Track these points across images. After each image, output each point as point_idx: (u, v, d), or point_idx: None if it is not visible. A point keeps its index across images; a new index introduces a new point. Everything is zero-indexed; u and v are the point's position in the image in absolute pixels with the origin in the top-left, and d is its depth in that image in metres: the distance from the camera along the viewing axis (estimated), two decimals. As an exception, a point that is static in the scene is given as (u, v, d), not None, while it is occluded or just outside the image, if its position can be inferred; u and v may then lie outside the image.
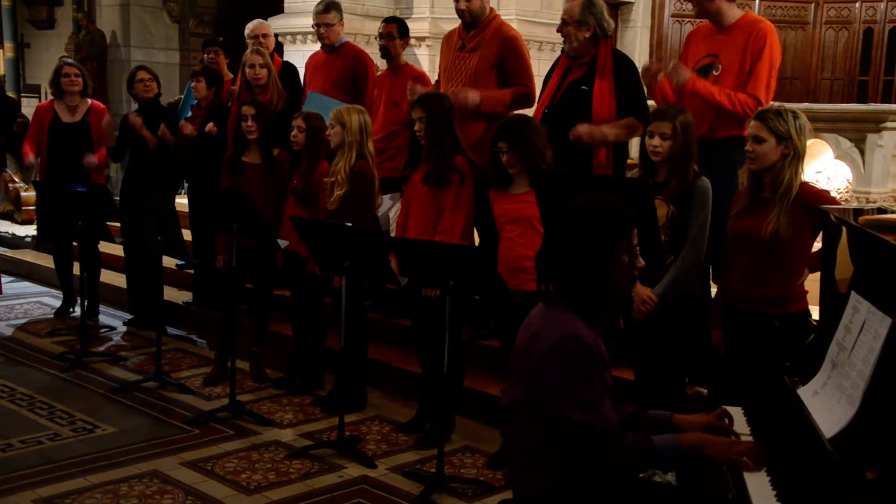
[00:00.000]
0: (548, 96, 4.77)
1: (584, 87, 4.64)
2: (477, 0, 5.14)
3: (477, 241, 5.01)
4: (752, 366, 3.40)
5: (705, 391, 4.16)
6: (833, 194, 6.81)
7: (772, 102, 4.38)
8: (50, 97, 6.78)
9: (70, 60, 6.91)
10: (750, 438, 2.58)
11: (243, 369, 5.50)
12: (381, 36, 5.81)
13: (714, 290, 4.44)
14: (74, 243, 6.11)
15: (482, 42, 5.14)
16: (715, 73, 4.47)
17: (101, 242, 6.59)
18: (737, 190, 3.94)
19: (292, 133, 5.09)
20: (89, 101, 6.69)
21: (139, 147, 6.42)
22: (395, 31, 5.74)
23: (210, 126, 6.05)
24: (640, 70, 4.63)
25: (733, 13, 4.51)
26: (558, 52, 4.98)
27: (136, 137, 6.41)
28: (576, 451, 2.38)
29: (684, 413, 2.70)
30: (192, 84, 6.33)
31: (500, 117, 5.15)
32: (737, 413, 2.74)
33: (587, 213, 2.43)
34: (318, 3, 6.20)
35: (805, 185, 3.51)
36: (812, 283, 3.47)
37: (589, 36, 4.60)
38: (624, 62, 4.70)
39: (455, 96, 4.85)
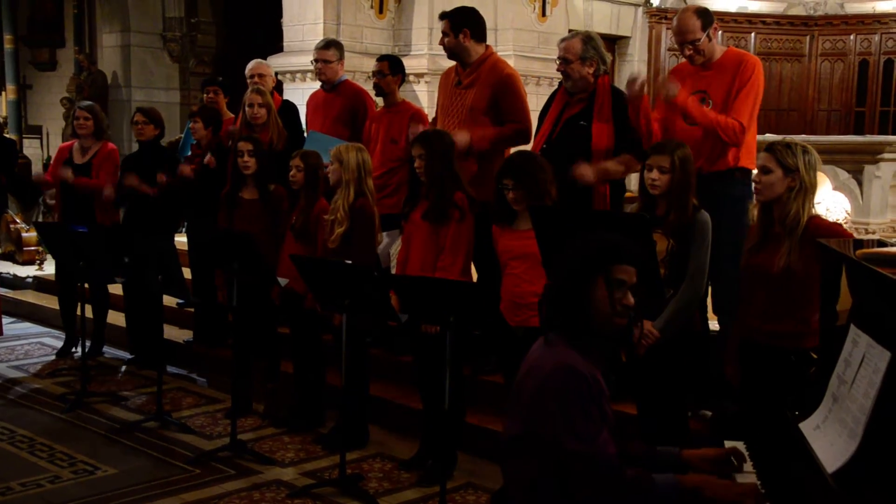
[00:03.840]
0: (546, 131, 4.80)
1: (582, 122, 4.67)
2: (450, 38, 5.19)
3: (475, 277, 5.01)
4: (766, 400, 3.37)
5: (709, 413, 4.16)
6: (834, 225, 6.84)
7: (771, 135, 4.43)
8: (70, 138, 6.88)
9: (84, 104, 6.95)
10: (753, 477, 2.56)
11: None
12: (373, 74, 5.87)
13: (712, 323, 4.44)
14: (87, 284, 6.12)
15: (478, 79, 5.18)
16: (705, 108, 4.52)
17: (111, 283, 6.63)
18: (739, 222, 3.95)
19: (291, 172, 5.12)
20: (104, 143, 6.72)
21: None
22: (387, 68, 5.78)
23: (208, 158, 6.05)
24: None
25: (718, 50, 4.63)
26: (555, 87, 5.02)
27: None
28: (573, 484, 2.35)
29: (689, 447, 2.68)
30: (191, 125, 6.37)
31: (493, 153, 5.18)
32: (739, 447, 2.73)
33: (571, 249, 2.47)
34: (320, 41, 6.30)
35: (815, 218, 3.49)
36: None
37: (592, 71, 4.64)
38: (622, 98, 4.73)
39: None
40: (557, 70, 4.77)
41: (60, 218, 6.69)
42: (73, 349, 6.93)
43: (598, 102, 4.65)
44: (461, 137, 4.96)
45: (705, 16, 4.57)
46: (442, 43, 5.26)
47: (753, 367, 3.60)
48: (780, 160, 3.44)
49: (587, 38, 4.69)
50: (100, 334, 6.88)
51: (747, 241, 3.65)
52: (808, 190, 3.45)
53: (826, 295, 3.11)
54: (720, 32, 4.71)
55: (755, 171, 3.61)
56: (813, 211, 3.50)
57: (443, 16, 5.26)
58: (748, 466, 2.63)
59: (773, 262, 3.45)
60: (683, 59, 4.75)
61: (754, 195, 3.60)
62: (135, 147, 7.22)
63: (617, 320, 2.45)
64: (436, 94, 5.86)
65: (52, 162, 6.98)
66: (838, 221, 7.00)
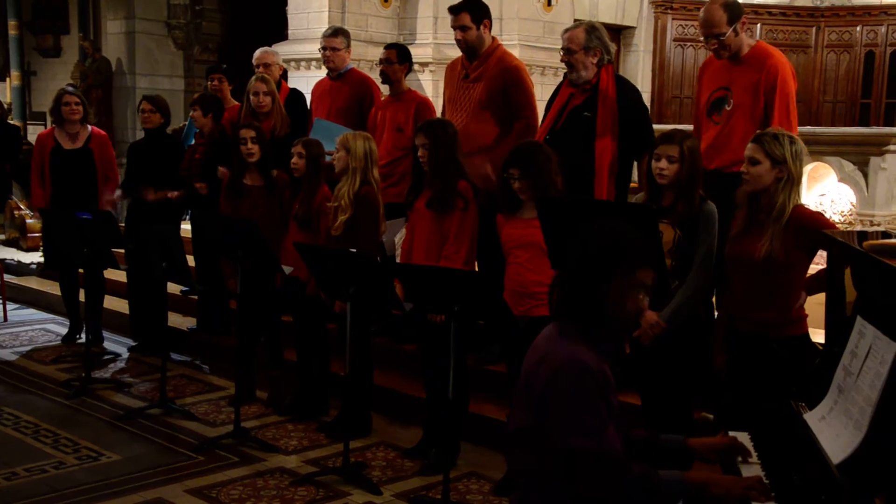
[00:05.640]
0: (550, 122, 4.79)
1: (586, 113, 4.65)
2: (473, 31, 5.16)
3: (476, 266, 5.00)
4: (754, 389, 3.39)
5: (711, 417, 4.17)
6: (837, 217, 6.85)
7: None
8: (52, 125, 6.83)
9: (70, 89, 6.93)
10: (758, 467, 2.56)
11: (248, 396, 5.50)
12: (380, 62, 5.85)
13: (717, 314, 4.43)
14: (80, 270, 6.12)
15: (485, 72, 5.17)
16: (727, 107, 4.48)
17: (106, 269, 6.60)
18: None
19: (293, 160, 5.12)
20: (90, 127, 6.72)
21: (144, 175, 6.45)
22: (395, 56, 5.76)
23: (222, 171, 6.03)
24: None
25: (747, 44, 4.54)
26: (560, 77, 5.01)
27: (138, 167, 6.45)
28: (579, 479, 2.35)
29: (693, 436, 2.69)
30: (191, 113, 6.37)
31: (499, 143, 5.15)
32: (744, 438, 2.74)
33: (594, 240, 2.44)
34: (327, 28, 6.28)
35: (799, 207, 3.51)
36: (814, 306, 3.47)
37: (596, 61, 4.62)
38: (627, 88, 4.72)
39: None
40: (561, 60, 4.75)
41: (48, 205, 6.57)
42: (78, 336, 6.93)
43: (602, 93, 4.63)
44: (487, 171, 4.89)
45: (733, 9, 4.44)
46: (461, 37, 5.18)
47: (738, 356, 3.61)
48: (768, 151, 3.45)
49: (591, 28, 4.66)
50: (97, 321, 6.81)
51: (731, 230, 3.66)
52: (795, 181, 3.47)
53: (832, 287, 3.11)
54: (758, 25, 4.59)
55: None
56: (798, 200, 3.51)
57: (459, 7, 5.18)
58: (752, 458, 2.64)
59: (754, 249, 3.47)
60: (694, 50, 4.68)
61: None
62: (139, 135, 7.22)
63: (630, 321, 2.46)
64: (440, 84, 5.83)
65: (33, 155, 6.84)
66: (842, 213, 6.99)
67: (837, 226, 5.37)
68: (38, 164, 6.68)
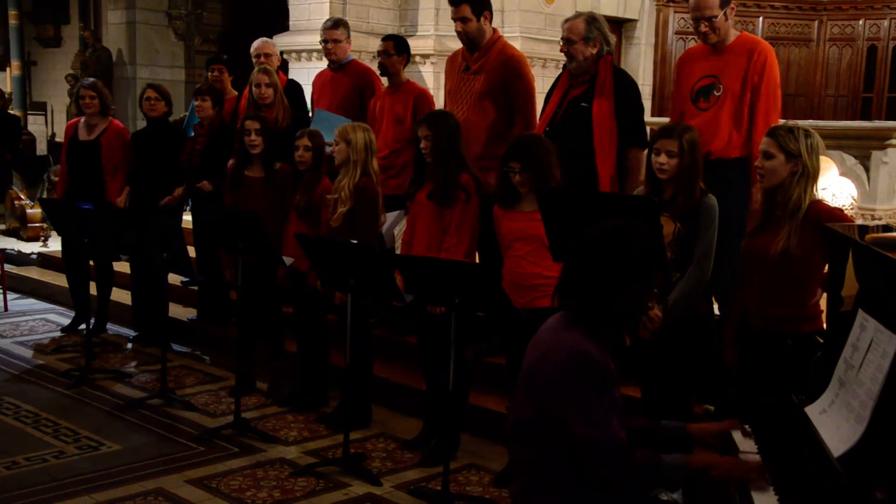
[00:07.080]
0: (549, 114, 4.79)
1: (583, 103, 4.65)
2: (473, 23, 5.15)
3: (477, 258, 5.00)
4: (766, 385, 3.37)
5: (712, 408, 4.17)
6: (839, 211, 6.84)
7: (781, 120, 4.40)
8: (73, 116, 6.86)
9: (86, 82, 6.94)
10: (757, 456, 2.58)
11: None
12: (378, 54, 5.84)
13: (716, 307, 4.44)
14: (91, 262, 6.13)
15: (486, 64, 5.15)
16: (716, 93, 4.50)
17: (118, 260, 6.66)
18: (745, 209, 3.93)
19: (298, 153, 5.10)
20: (111, 120, 6.72)
21: (145, 165, 6.44)
22: (392, 48, 5.76)
23: (205, 184, 6.06)
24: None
25: (732, 33, 4.58)
26: (561, 69, 5.00)
27: (141, 156, 6.45)
28: (584, 468, 2.37)
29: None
30: (196, 103, 6.34)
31: (502, 135, 5.14)
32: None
33: (627, 237, 2.42)
34: (327, 20, 6.27)
35: (817, 202, 3.46)
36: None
37: (596, 52, 4.62)
38: (624, 80, 4.71)
39: None
40: (561, 51, 4.74)
41: (63, 194, 6.67)
42: (81, 325, 6.92)
43: (600, 85, 4.63)
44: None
45: None
46: (461, 29, 5.16)
47: (751, 351, 3.60)
48: (783, 145, 3.41)
49: (591, 19, 4.66)
50: (103, 311, 6.88)
51: (748, 225, 3.64)
52: (811, 174, 3.42)
53: (833, 280, 3.10)
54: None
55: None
56: (815, 195, 3.48)
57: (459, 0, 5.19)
58: (751, 446, 2.65)
59: (771, 245, 3.43)
60: (695, 43, 4.68)
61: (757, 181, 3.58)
62: (140, 125, 7.21)
63: (640, 318, 2.50)
64: (442, 76, 5.82)
65: (63, 142, 6.93)
66: (843, 207, 6.99)
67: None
68: (62, 154, 6.78)
